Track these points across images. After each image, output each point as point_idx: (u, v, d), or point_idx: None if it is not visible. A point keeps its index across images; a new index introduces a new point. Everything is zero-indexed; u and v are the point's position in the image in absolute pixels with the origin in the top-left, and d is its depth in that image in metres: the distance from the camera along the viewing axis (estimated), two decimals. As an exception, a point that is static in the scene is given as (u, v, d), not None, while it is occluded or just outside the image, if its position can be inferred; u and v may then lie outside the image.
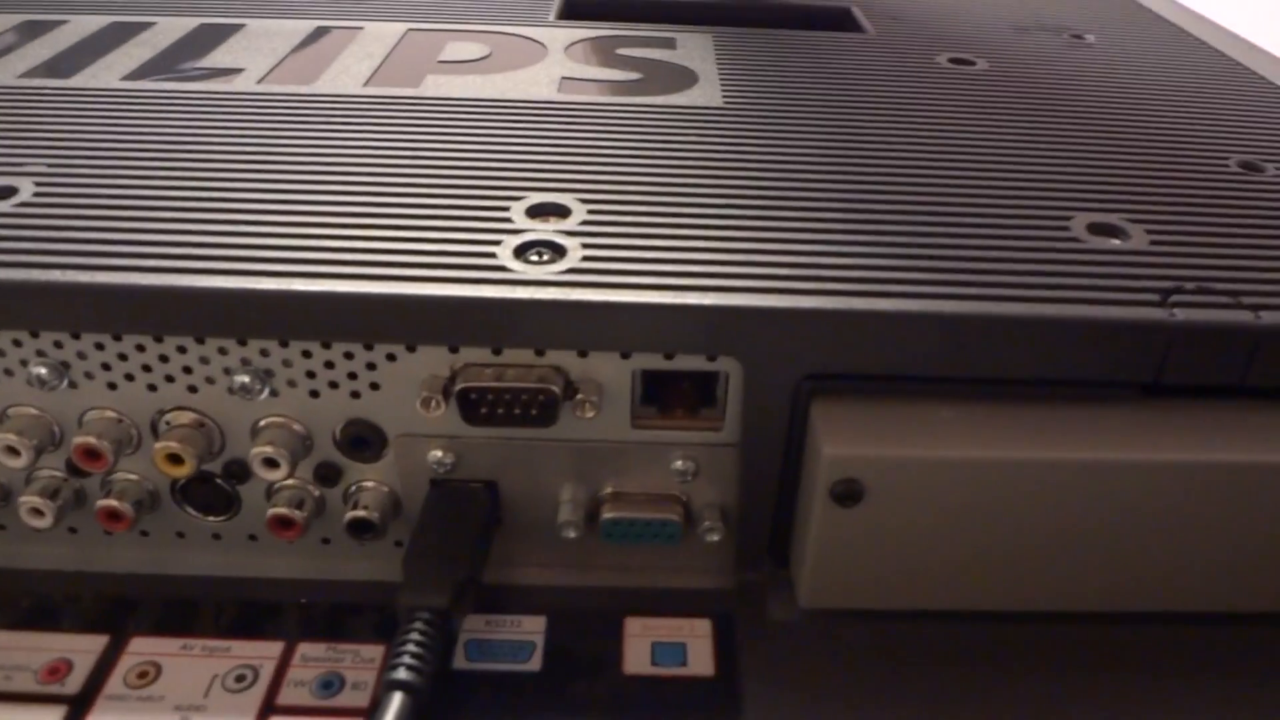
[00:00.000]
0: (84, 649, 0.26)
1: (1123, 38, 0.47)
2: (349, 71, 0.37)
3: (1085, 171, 0.31)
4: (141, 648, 0.26)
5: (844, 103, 0.36)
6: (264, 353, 0.25)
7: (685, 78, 0.38)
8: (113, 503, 0.27)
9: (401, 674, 0.22)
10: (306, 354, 0.25)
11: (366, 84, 0.36)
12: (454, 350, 0.25)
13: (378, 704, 0.22)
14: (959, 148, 0.33)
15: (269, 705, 0.24)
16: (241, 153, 0.30)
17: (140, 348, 0.25)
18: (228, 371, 0.25)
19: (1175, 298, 0.25)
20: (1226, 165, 0.33)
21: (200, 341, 0.25)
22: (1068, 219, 0.28)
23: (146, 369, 0.26)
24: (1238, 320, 0.24)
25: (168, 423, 0.26)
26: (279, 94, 0.35)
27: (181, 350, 0.25)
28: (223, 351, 0.25)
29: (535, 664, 0.25)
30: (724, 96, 0.36)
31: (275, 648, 0.26)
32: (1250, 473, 0.24)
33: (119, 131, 0.31)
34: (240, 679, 0.25)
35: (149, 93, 0.35)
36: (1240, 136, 0.35)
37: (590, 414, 0.25)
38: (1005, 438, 0.24)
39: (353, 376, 0.25)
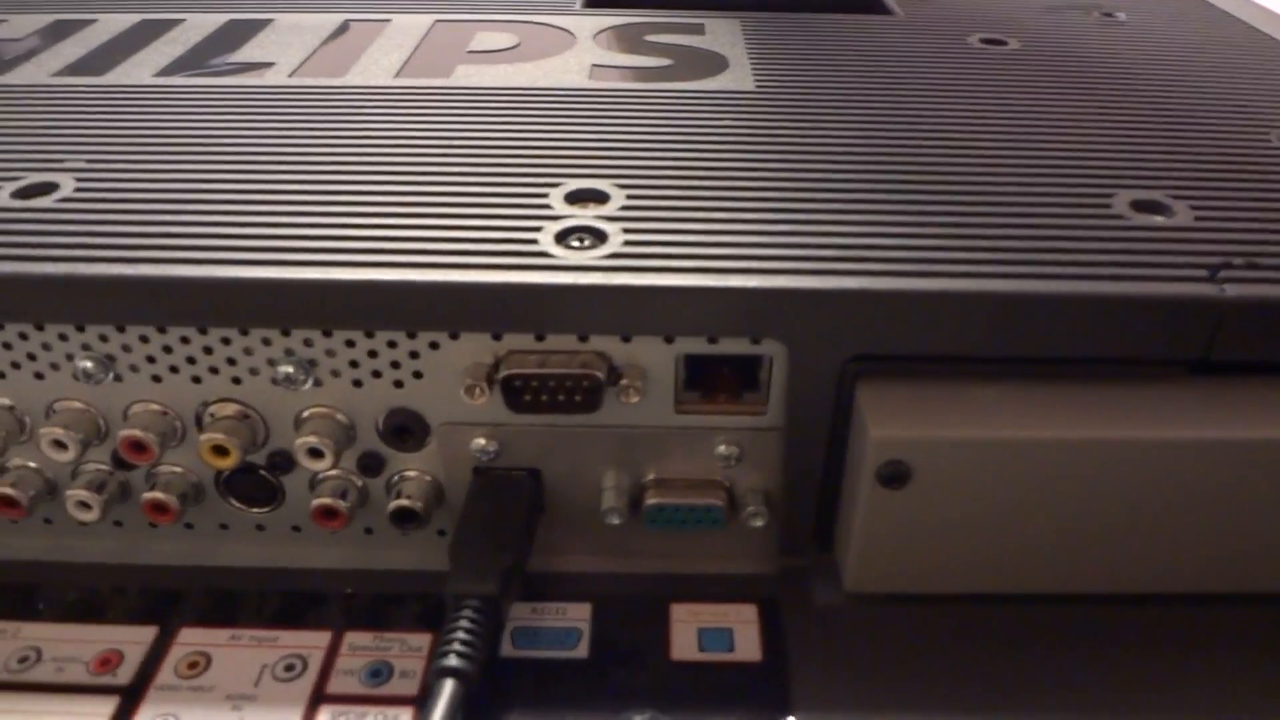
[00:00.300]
0: (134, 640, 0.26)
1: (1155, 15, 0.46)
2: (379, 64, 0.37)
3: (1125, 148, 0.31)
4: (191, 638, 0.26)
5: (877, 84, 0.36)
6: (307, 343, 0.25)
7: (716, 63, 0.38)
8: (158, 495, 0.27)
9: (452, 661, 0.22)
10: (350, 343, 0.25)
11: (397, 75, 0.36)
12: (497, 338, 0.25)
13: (429, 691, 0.22)
14: (995, 127, 0.32)
15: (319, 694, 0.24)
16: (279, 145, 0.30)
17: (185, 340, 0.25)
18: (271, 362, 0.25)
19: (1224, 273, 0.24)
20: (1268, 140, 0.32)
21: (244, 333, 0.25)
22: (1109, 196, 0.28)
23: (191, 361, 0.26)
24: (1288, 295, 0.24)
25: (212, 415, 0.26)
26: (311, 86, 0.35)
27: (225, 342, 0.25)
28: (266, 342, 0.25)
29: (582, 651, 0.25)
30: (755, 81, 0.36)
31: (323, 637, 0.26)
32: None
33: (155, 126, 0.31)
34: (290, 668, 0.25)
35: (182, 88, 0.35)
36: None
37: (634, 399, 0.25)
38: (1052, 417, 0.24)
39: (395, 365, 0.25)
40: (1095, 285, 0.24)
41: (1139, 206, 0.28)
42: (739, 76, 0.36)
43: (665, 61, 0.38)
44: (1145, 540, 0.25)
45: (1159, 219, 0.27)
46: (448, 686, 0.22)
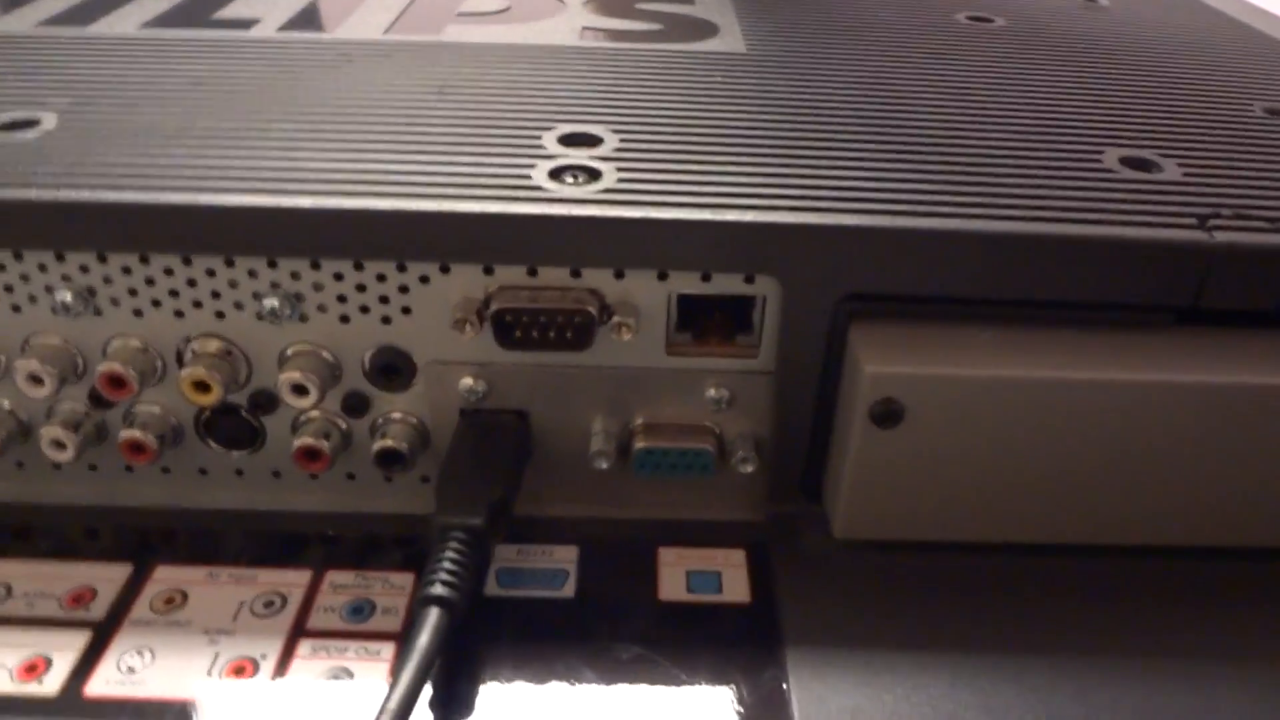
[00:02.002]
0: (108, 577, 0.25)
1: (1136, 2, 0.47)
2: (367, 21, 0.37)
3: (1112, 112, 0.31)
4: (166, 576, 0.25)
5: (867, 50, 0.36)
6: (294, 275, 0.25)
7: (706, 29, 0.38)
8: (136, 434, 0.26)
9: (438, 589, 0.22)
10: (338, 276, 0.25)
11: (386, 32, 0.36)
12: (488, 272, 0.25)
13: (413, 620, 0.22)
14: (984, 91, 0.33)
15: (299, 628, 0.24)
16: (267, 88, 0.30)
17: (168, 272, 0.25)
18: (257, 296, 0.25)
19: (1214, 221, 0.25)
20: (1251, 111, 0.33)
21: (229, 264, 0.25)
22: (1099, 153, 0.28)
23: (174, 294, 0.25)
24: (1278, 243, 0.24)
25: (194, 351, 0.26)
26: (298, 39, 0.34)
27: (210, 274, 0.25)
28: (252, 275, 0.25)
29: (569, 591, 0.25)
30: (747, 45, 0.36)
31: (303, 576, 0.25)
32: (1291, 393, 0.24)
33: (140, 72, 0.31)
34: (269, 604, 0.24)
35: (168, 40, 0.34)
36: (1262, 88, 0.35)
37: (626, 337, 0.25)
38: (1043, 358, 0.24)
39: (384, 300, 0.25)
40: (1089, 228, 0.24)
41: (1128, 162, 0.28)
42: (730, 41, 0.36)
43: (655, 26, 0.38)
44: (1134, 488, 0.25)
45: (1148, 174, 0.27)
46: (433, 614, 0.21)
